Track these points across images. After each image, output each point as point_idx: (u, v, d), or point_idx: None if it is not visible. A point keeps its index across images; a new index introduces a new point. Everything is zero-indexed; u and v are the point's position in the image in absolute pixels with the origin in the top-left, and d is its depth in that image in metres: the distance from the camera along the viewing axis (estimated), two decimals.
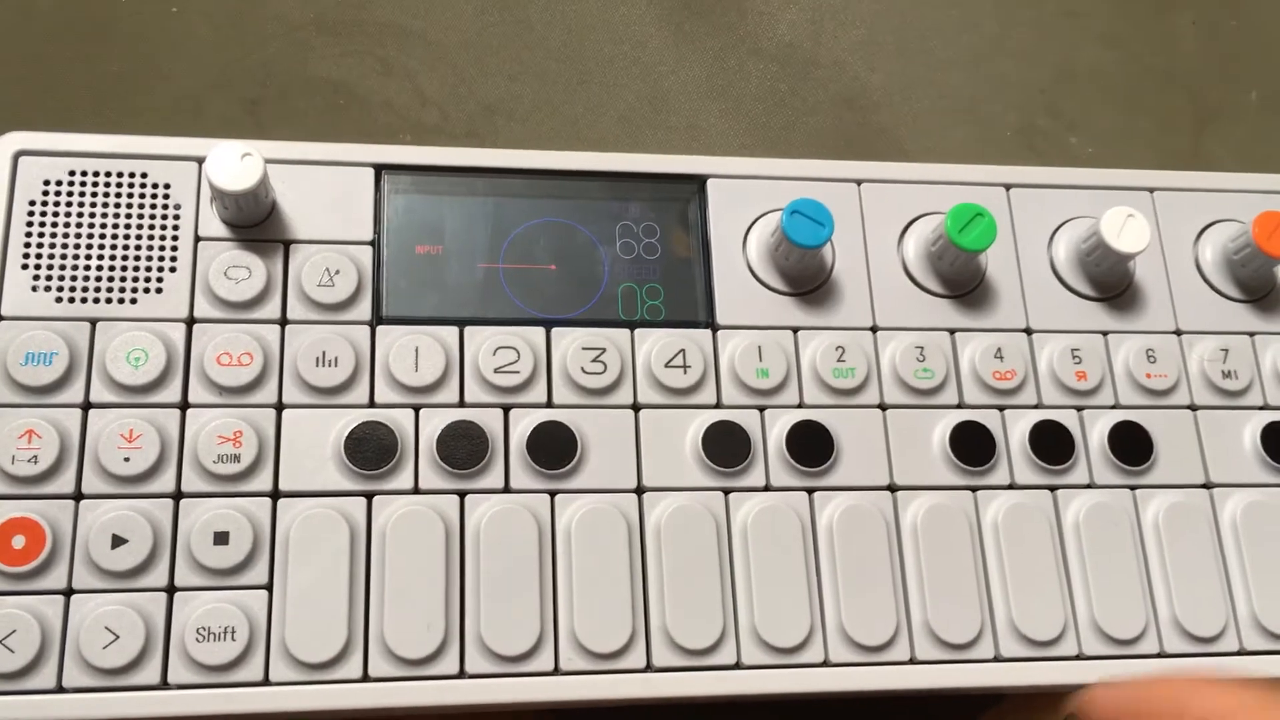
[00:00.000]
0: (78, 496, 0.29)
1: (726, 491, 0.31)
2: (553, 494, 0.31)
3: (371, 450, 0.30)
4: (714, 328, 0.33)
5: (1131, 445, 0.33)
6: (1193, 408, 0.34)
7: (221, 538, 0.29)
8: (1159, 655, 0.32)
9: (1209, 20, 0.43)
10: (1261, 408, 0.35)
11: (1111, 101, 0.41)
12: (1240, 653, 0.32)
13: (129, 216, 0.31)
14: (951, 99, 0.40)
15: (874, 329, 0.34)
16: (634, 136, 0.38)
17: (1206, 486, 0.34)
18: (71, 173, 0.31)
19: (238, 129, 0.32)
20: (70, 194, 0.31)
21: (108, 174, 0.31)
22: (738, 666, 0.30)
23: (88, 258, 0.31)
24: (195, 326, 0.31)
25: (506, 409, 0.31)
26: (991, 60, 0.41)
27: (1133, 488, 0.33)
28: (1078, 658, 0.31)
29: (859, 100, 0.40)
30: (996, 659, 0.31)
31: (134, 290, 0.31)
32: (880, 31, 0.41)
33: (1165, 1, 0.43)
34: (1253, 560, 0.33)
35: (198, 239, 0.31)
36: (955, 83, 0.41)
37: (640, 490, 0.31)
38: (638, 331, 0.33)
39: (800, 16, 0.40)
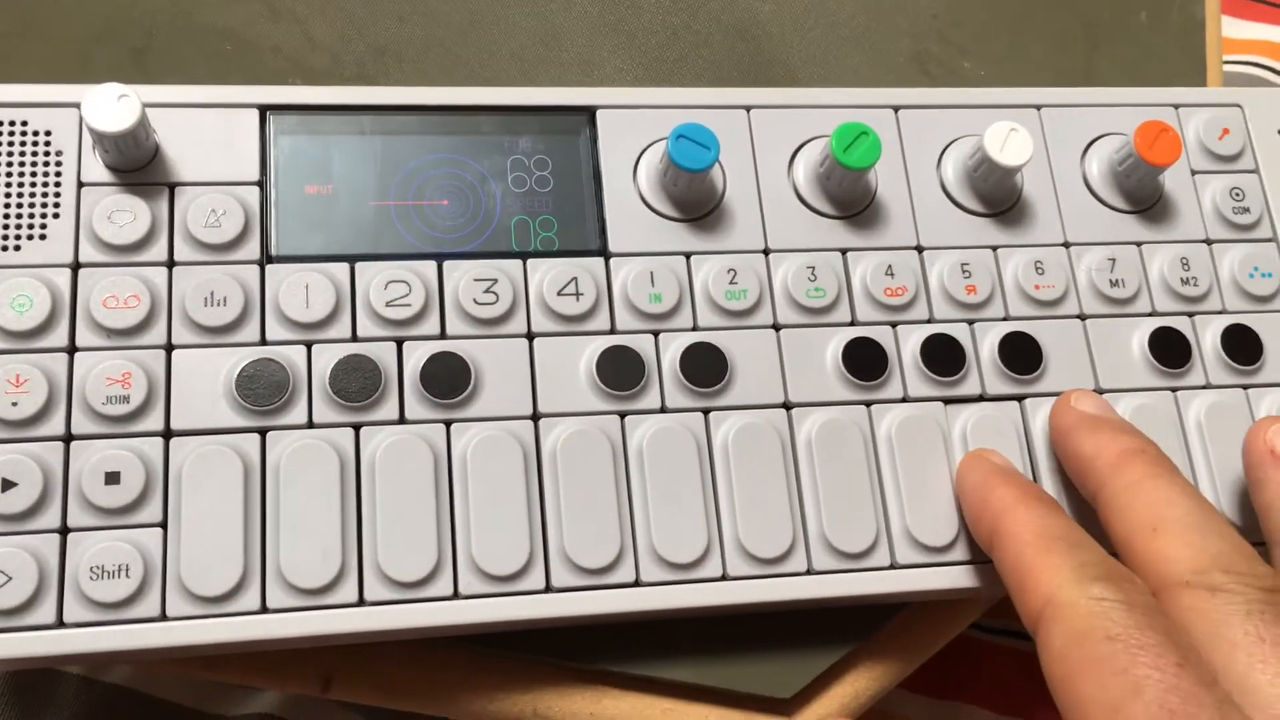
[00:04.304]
0: None
1: (622, 415, 0.32)
2: (448, 423, 0.31)
3: (263, 387, 0.30)
4: (606, 255, 0.33)
5: (1021, 355, 0.34)
6: (1081, 317, 0.35)
7: (113, 478, 0.29)
8: None
9: None
10: (1149, 314, 0.35)
11: (1003, 25, 0.42)
12: None
13: (9, 164, 0.31)
14: (844, 27, 0.41)
15: (766, 251, 0.34)
16: (527, 74, 0.38)
17: (1097, 392, 0.34)
18: None
19: (124, 79, 0.31)
20: None
21: None
22: (637, 584, 0.30)
23: None
24: (81, 271, 0.31)
25: (400, 342, 0.31)
26: None
27: (1021, 397, 0.34)
28: (971, 562, 0.32)
29: (751, 31, 0.40)
30: (893, 566, 0.32)
31: (17, 238, 0.31)
32: None
33: None
34: None
35: (80, 184, 0.31)
36: (847, 10, 0.41)
37: (536, 417, 0.31)
38: (530, 262, 0.33)
39: None
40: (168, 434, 0.30)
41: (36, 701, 0.39)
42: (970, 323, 0.34)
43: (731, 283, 0.33)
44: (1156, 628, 0.25)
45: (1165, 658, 0.25)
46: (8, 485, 0.28)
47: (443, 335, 0.32)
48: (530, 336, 0.32)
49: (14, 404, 0.29)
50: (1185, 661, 0.25)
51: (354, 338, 0.31)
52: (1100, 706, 0.25)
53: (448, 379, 0.31)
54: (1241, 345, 0.35)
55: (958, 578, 0.32)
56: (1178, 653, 0.25)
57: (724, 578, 0.31)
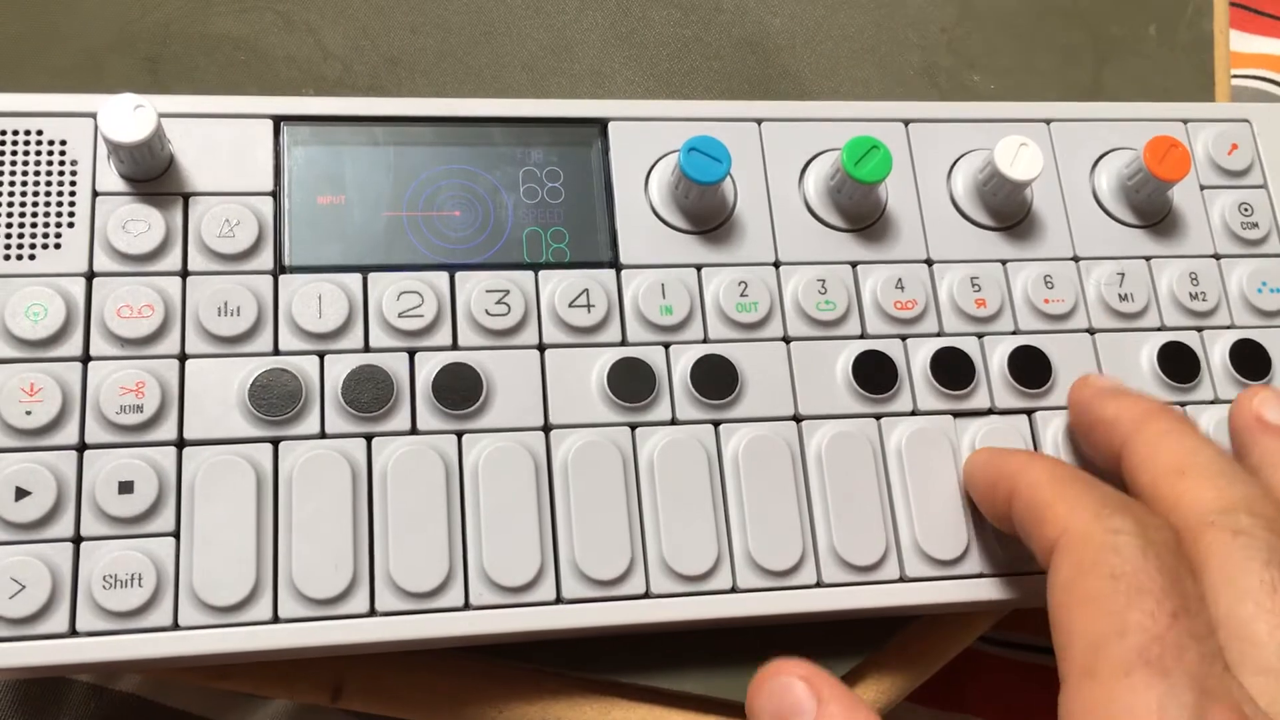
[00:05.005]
0: None
1: (633, 426, 0.32)
2: (460, 434, 0.31)
3: (276, 397, 0.30)
4: (618, 267, 0.33)
5: (1031, 369, 0.34)
6: (1090, 331, 0.35)
7: (126, 487, 0.29)
8: None
9: None
10: (1158, 329, 0.36)
11: (1012, 39, 0.42)
12: None
13: (25, 173, 0.31)
14: (854, 40, 0.41)
15: (776, 264, 0.34)
16: (538, 85, 0.38)
17: None
18: None
19: (138, 88, 0.32)
20: None
21: (2, 132, 0.31)
22: (647, 596, 0.31)
23: None
24: (95, 280, 0.31)
25: (412, 352, 0.31)
26: (892, 1, 0.42)
27: (1030, 411, 0.34)
28: (980, 576, 0.32)
29: (762, 44, 0.40)
30: (902, 579, 0.32)
31: (32, 247, 0.31)
32: None
33: None
34: None
35: (95, 194, 0.31)
36: (857, 24, 0.41)
37: (547, 428, 0.32)
38: (542, 273, 0.33)
39: None
40: (181, 443, 0.30)
41: (45, 709, 0.39)
42: (980, 336, 0.34)
43: (742, 295, 0.33)
44: (1165, 570, 0.25)
45: (1163, 605, 0.24)
46: (21, 494, 0.28)
47: (455, 346, 0.32)
48: (542, 348, 0.32)
49: (28, 413, 0.29)
50: (1183, 611, 0.24)
51: (366, 348, 0.31)
52: (1084, 640, 0.24)
53: (460, 390, 0.31)
54: (1250, 360, 0.35)
55: (967, 591, 0.32)
56: (1178, 600, 0.24)
57: (734, 590, 0.31)
